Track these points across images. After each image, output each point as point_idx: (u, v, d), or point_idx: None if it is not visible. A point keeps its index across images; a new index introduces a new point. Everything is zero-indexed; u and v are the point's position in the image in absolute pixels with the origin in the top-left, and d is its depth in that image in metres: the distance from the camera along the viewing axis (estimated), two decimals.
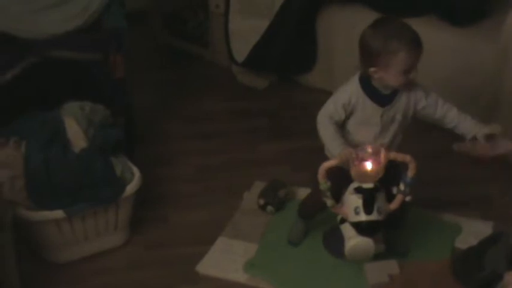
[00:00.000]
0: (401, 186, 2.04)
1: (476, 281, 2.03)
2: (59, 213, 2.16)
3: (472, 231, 2.35)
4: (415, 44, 1.94)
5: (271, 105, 3.31)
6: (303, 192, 2.46)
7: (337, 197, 2.09)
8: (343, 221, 2.14)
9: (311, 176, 2.04)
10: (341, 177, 2.05)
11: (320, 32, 3.32)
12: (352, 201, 2.01)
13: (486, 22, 2.93)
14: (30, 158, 2.15)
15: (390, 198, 2.06)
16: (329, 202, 2.06)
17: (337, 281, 2.20)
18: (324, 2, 3.23)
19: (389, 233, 2.18)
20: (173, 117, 3.23)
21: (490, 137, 2.05)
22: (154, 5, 3.94)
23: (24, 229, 2.18)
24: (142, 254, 2.36)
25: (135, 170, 2.32)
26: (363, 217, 2.00)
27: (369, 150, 1.95)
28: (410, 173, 2.02)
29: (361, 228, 2.03)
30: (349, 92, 2.05)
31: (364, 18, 2.97)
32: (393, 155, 2.00)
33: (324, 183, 2.00)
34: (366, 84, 2.05)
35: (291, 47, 3.30)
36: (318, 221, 2.34)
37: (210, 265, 2.28)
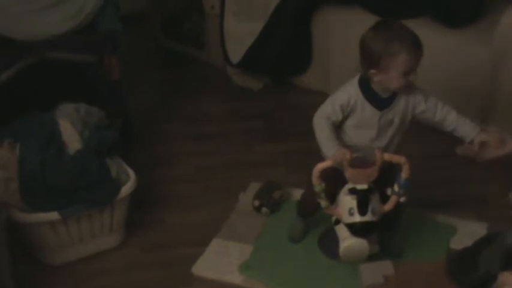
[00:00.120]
0: (396, 188, 2.05)
1: (470, 281, 2.04)
2: (53, 215, 2.16)
3: (467, 232, 2.35)
4: (416, 46, 1.95)
5: (267, 107, 3.32)
6: (298, 194, 2.46)
7: (332, 198, 2.09)
8: (337, 222, 2.14)
9: (308, 178, 2.04)
10: (336, 178, 2.05)
11: (315, 33, 3.32)
12: (347, 202, 2.02)
13: (481, 23, 2.93)
14: (27, 160, 2.15)
15: (384, 199, 2.06)
16: (323, 203, 2.06)
17: (332, 281, 2.20)
18: (319, 3, 3.23)
19: (384, 234, 2.18)
20: (171, 117, 3.24)
21: (484, 143, 2.07)
22: (153, 7, 3.95)
23: (18, 231, 2.19)
24: (139, 255, 2.36)
25: (131, 172, 2.32)
26: (357, 218, 2.00)
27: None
28: (404, 174, 2.02)
29: (355, 229, 2.03)
30: (349, 93, 2.05)
31: (360, 19, 3.00)
32: (388, 156, 2.00)
33: (318, 185, 2.00)
34: (366, 87, 2.05)
35: (286, 48, 3.31)
36: (316, 219, 2.33)
37: (205, 267, 2.28)
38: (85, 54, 2.53)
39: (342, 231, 2.11)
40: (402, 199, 2.06)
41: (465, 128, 2.09)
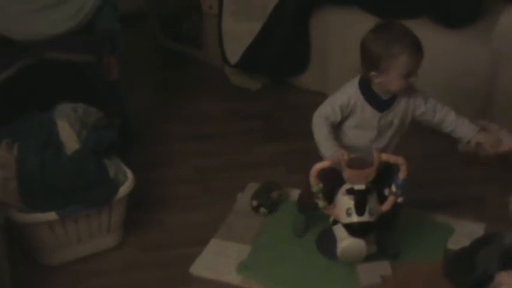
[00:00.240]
0: (393, 188, 2.05)
1: (468, 281, 2.04)
2: (51, 215, 2.16)
3: (465, 232, 2.35)
4: (416, 47, 1.95)
5: (266, 107, 3.32)
6: (297, 194, 2.46)
7: (330, 198, 2.10)
8: (335, 222, 2.14)
9: (306, 178, 2.04)
10: (334, 179, 2.05)
11: (314, 34, 3.32)
12: (344, 202, 2.02)
13: (480, 23, 2.93)
14: (26, 160, 2.16)
15: (382, 199, 2.07)
16: (321, 203, 2.06)
17: (330, 282, 2.20)
18: (317, 4, 3.23)
19: (382, 234, 2.18)
20: (170, 117, 3.24)
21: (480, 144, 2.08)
22: (152, 7, 3.95)
23: (16, 231, 2.19)
24: (137, 255, 2.36)
25: (128, 172, 2.32)
26: (354, 218, 2.00)
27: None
28: (402, 174, 2.02)
29: (353, 229, 2.04)
30: (349, 94, 2.06)
31: (358, 19, 3.01)
32: (385, 156, 2.01)
33: (316, 185, 2.01)
34: (366, 89, 2.05)
35: (284, 49, 3.31)
36: (316, 218, 2.33)
37: (203, 267, 2.29)
38: (84, 54, 2.54)
39: (339, 231, 2.11)
40: (400, 199, 2.06)
41: (463, 129, 2.09)
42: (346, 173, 1.99)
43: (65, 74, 2.53)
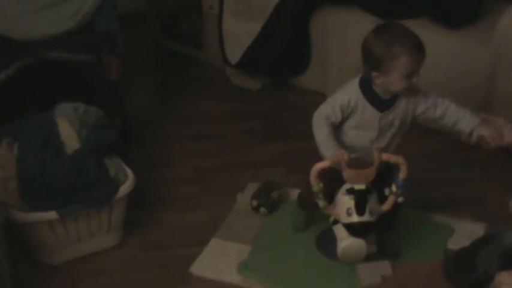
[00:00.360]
0: (394, 188, 2.05)
1: (468, 282, 2.04)
2: (52, 215, 2.16)
3: (465, 232, 2.35)
4: (417, 48, 1.96)
5: (266, 107, 3.32)
6: (297, 194, 2.46)
7: (330, 198, 2.10)
8: (335, 222, 2.14)
9: (306, 177, 2.04)
10: (334, 178, 2.06)
11: (314, 34, 3.32)
12: (344, 202, 2.02)
13: (480, 24, 2.93)
14: (27, 160, 2.15)
15: (382, 199, 2.07)
16: (321, 203, 2.06)
17: (330, 281, 2.20)
18: (318, 4, 3.23)
19: (382, 234, 2.18)
20: (170, 117, 3.24)
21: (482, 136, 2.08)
22: (152, 6, 3.96)
23: (17, 231, 2.19)
24: (137, 255, 2.36)
25: (129, 171, 2.32)
26: (355, 218, 2.00)
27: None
28: (402, 174, 2.02)
29: (353, 229, 2.04)
30: (349, 94, 2.06)
31: (358, 19, 3.02)
32: (385, 156, 2.01)
33: (316, 185, 2.01)
34: (367, 89, 2.05)
35: (285, 49, 3.31)
36: (317, 216, 2.34)
37: (203, 266, 2.28)
38: (83, 54, 2.54)
39: (340, 231, 2.12)
40: (400, 199, 2.06)
41: (465, 121, 2.09)
42: (346, 173, 1.99)
43: (64, 73, 2.53)
